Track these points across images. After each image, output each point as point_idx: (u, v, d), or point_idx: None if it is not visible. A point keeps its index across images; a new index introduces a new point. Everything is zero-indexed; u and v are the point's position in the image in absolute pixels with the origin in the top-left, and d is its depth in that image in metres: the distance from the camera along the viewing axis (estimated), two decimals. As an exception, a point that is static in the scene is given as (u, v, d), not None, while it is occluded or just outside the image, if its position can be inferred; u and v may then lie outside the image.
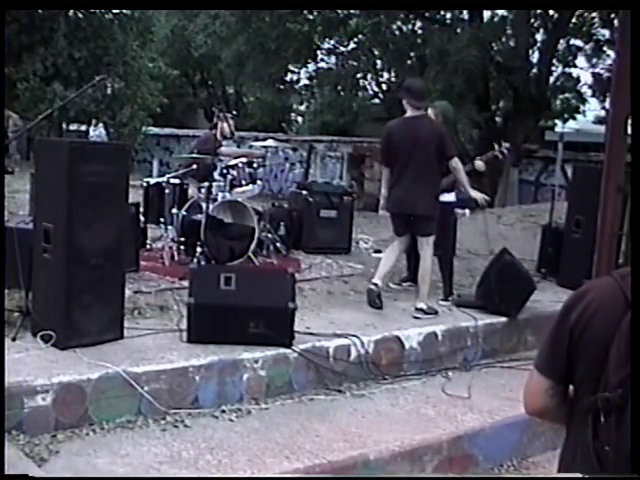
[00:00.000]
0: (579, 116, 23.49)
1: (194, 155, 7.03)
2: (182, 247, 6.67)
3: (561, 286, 6.69)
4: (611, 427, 1.56)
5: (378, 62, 20.88)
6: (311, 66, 22.23)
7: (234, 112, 28.15)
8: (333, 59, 21.54)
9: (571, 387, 1.75)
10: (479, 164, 6.22)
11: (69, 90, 16.33)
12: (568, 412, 1.75)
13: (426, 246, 5.59)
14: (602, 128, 19.46)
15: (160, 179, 7.17)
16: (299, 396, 4.38)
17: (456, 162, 5.56)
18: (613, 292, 1.63)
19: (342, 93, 22.87)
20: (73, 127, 20.05)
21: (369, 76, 22.34)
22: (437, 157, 5.49)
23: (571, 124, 23.93)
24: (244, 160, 6.92)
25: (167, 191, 6.85)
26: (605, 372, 1.58)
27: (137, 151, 20.33)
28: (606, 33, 18.97)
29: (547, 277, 7.13)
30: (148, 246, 6.93)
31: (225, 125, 7.29)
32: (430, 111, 5.98)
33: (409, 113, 5.62)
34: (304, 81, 23.49)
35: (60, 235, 4.05)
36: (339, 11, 18.69)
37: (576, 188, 7.35)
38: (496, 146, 6.43)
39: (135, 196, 6.01)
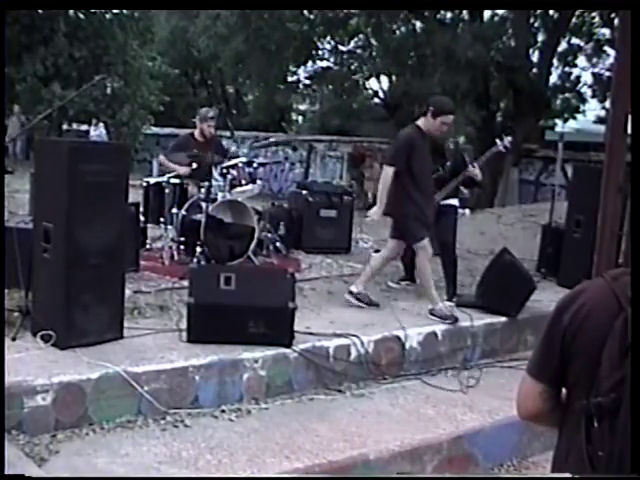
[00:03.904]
0: (579, 116, 23.44)
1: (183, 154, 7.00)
2: (182, 247, 6.67)
3: (561, 286, 6.68)
4: (604, 432, 1.54)
5: (378, 62, 20.85)
6: (311, 66, 22.22)
7: (234, 111, 28.20)
8: (333, 59, 21.51)
9: (564, 390, 1.73)
10: (474, 172, 6.04)
11: (69, 90, 16.30)
12: (561, 415, 1.74)
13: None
14: (602, 128, 19.44)
15: (160, 179, 7.16)
16: (299, 396, 4.38)
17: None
18: (605, 294, 1.60)
19: (342, 93, 22.83)
20: (73, 127, 20.03)
21: (369, 76, 22.32)
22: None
23: (571, 124, 23.87)
24: (244, 160, 6.94)
25: (167, 191, 6.85)
26: (598, 376, 1.56)
27: (137, 151, 20.28)
28: (606, 33, 18.99)
29: (547, 277, 7.12)
30: (148, 246, 6.93)
31: (205, 126, 7.19)
32: None
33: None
34: (305, 81, 23.45)
35: (60, 235, 4.06)
36: (339, 11, 18.68)
37: (576, 188, 7.34)
38: (498, 141, 6.25)
39: (135, 196, 6.01)
